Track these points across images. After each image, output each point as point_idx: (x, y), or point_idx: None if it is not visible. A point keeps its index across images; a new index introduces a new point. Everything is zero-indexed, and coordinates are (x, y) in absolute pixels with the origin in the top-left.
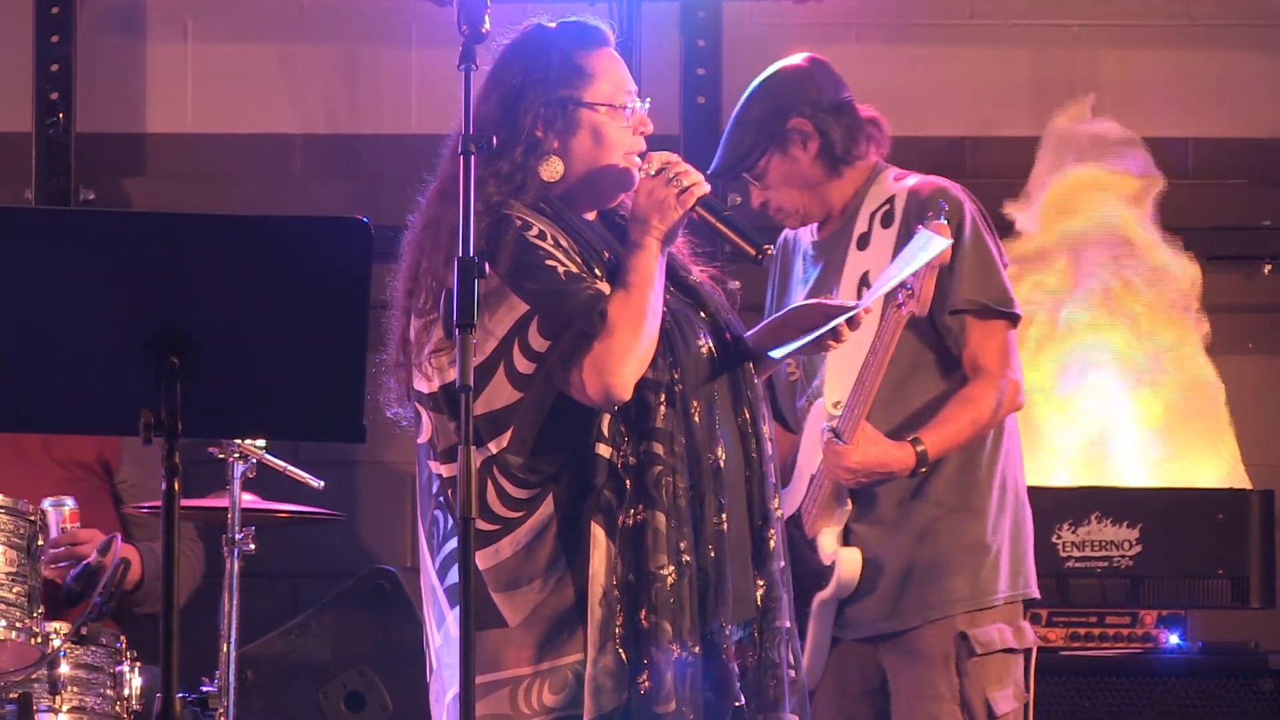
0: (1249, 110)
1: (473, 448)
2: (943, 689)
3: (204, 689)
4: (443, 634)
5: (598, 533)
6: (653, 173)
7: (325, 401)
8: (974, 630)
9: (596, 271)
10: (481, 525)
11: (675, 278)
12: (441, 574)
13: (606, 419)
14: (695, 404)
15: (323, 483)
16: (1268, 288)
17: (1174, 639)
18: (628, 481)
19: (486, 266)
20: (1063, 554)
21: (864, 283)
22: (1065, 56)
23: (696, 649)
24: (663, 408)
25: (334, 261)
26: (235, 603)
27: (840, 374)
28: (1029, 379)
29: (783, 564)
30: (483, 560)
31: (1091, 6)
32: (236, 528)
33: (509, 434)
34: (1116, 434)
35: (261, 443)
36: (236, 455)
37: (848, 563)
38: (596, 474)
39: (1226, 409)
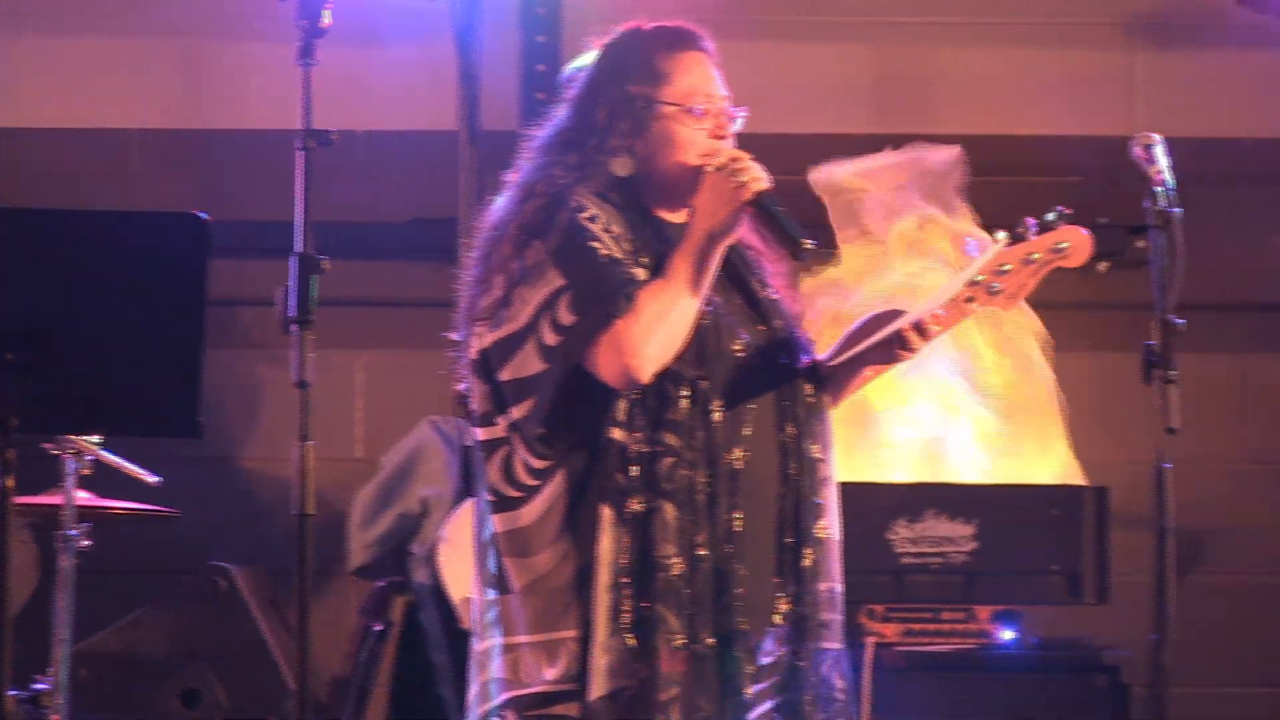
0: (1084, 107)
1: (309, 444)
2: None
3: (37, 687)
4: (477, 595)
5: (607, 515)
6: (717, 167)
7: (161, 398)
8: None
9: (643, 261)
10: (506, 490)
11: (744, 286)
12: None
13: (624, 404)
14: (717, 404)
15: (159, 479)
16: (1103, 285)
17: (1009, 635)
18: (635, 469)
19: (534, 242)
20: (898, 550)
21: None
22: (904, 54)
23: (710, 641)
24: (684, 402)
25: (171, 257)
26: (70, 600)
27: None
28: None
29: (831, 586)
30: (501, 524)
31: (930, 4)
32: (71, 524)
33: (530, 404)
34: (952, 431)
35: (97, 439)
36: (71, 451)
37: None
38: (608, 457)
39: (1061, 406)
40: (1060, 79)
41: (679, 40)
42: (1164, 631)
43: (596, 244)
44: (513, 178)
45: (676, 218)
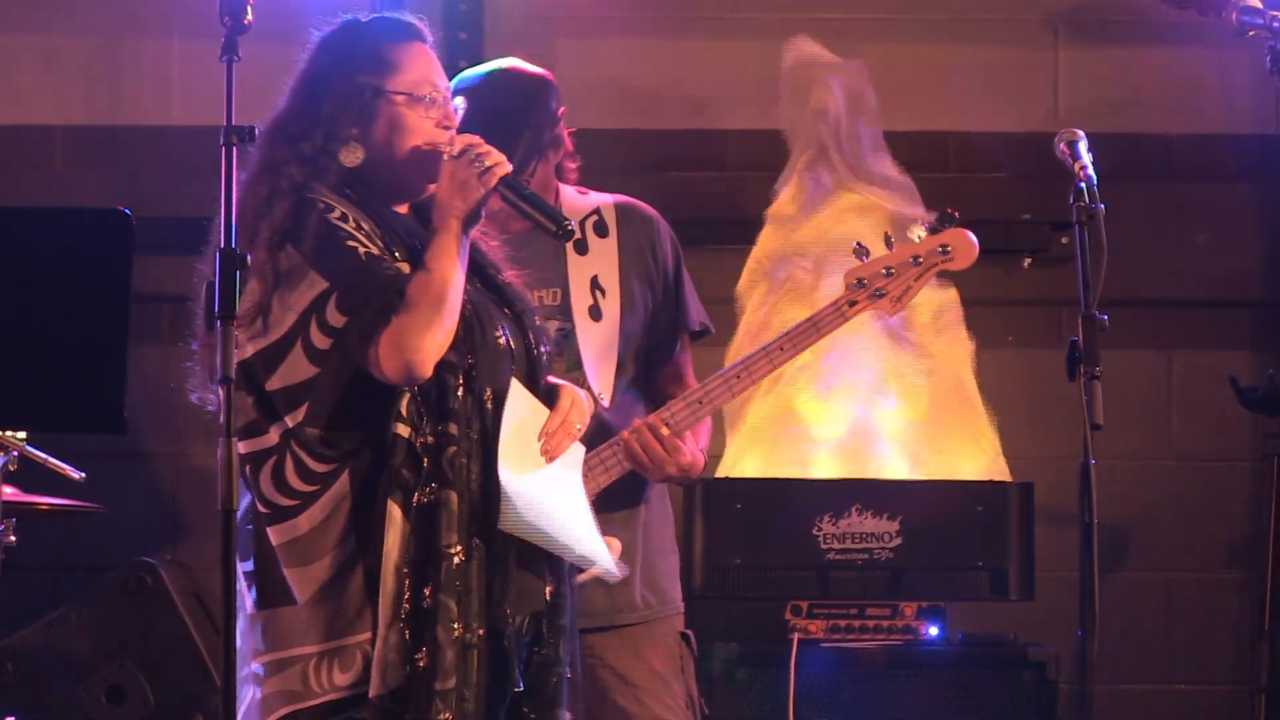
0: (1008, 104)
1: (234, 439)
2: (675, 685)
3: None
4: (241, 614)
5: (394, 511)
6: (455, 155)
7: (85, 393)
8: (687, 631)
9: (397, 255)
10: (280, 500)
11: (482, 274)
12: (243, 555)
13: (405, 399)
14: (489, 392)
15: (84, 474)
16: (1027, 281)
17: (934, 631)
18: (425, 461)
19: (287, 246)
20: (824, 546)
21: (596, 286)
22: (830, 50)
23: (481, 632)
24: (460, 391)
25: (94, 252)
26: None
27: (601, 370)
28: (791, 369)
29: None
30: (277, 536)
31: (851, 0)
32: None
33: (304, 409)
34: (877, 426)
35: (22, 434)
36: None
37: (615, 548)
38: (395, 454)
39: (986, 402)
40: (984, 75)
41: (404, 31)
42: (1089, 628)
43: (353, 243)
44: (246, 175)
45: (402, 210)
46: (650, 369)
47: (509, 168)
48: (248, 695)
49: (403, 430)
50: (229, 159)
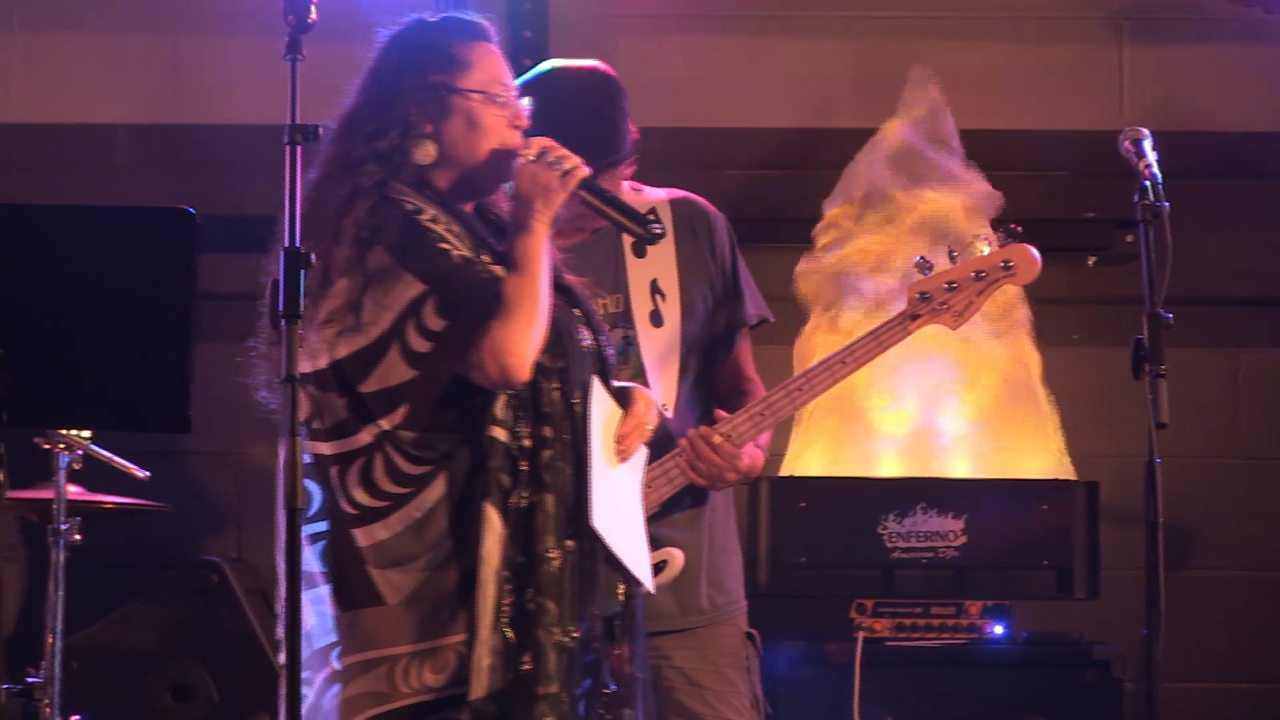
0: (1071, 102)
1: (298, 438)
2: (741, 685)
3: (29, 680)
4: (317, 613)
5: (491, 514)
6: (533, 158)
7: (150, 392)
8: (752, 630)
9: (484, 257)
10: (369, 501)
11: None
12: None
13: (501, 402)
14: (577, 394)
15: (148, 473)
16: (1092, 279)
17: (999, 630)
18: (523, 464)
19: (376, 245)
20: (888, 544)
21: (655, 290)
22: (887, 48)
23: (576, 634)
24: (555, 394)
25: (158, 252)
26: (61, 593)
27: (664, 377)
28: None
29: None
30: (365, 537)
31: None
32: (62, 518)
33: (402, 411)
34: (942, 424)
35: (87, 433)
36: (62, 446)
37: (678, 560)
38: (491, 456)
39: (1051, 400)
40: (1047, 73)
41: (473, 31)
42: (1155, 627)
43: (445, 245)
44: (319, 171)
45: (468, 209)
46: (710, 365)
47: (588, 171)
48: (309, 695)
49: (499, 433)
50: (293, 158)
